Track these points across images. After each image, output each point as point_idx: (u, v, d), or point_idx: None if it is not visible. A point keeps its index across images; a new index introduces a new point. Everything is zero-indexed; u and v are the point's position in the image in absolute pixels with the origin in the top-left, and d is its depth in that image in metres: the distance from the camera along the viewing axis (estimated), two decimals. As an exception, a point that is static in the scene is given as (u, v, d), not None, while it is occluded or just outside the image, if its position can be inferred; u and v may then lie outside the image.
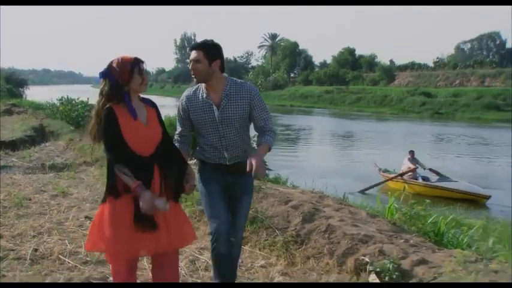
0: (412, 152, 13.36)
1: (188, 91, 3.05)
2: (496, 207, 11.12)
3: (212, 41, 2.93)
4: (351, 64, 69.72)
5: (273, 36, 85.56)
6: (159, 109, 2.78)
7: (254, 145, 3.16)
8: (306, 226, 4.29)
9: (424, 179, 12.82)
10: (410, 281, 3.29)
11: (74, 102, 15.42)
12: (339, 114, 43.28)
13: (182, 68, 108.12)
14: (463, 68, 59.96)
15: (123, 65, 2.57)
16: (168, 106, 17.98)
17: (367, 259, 3.61)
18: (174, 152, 2.73)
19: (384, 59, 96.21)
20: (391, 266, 3.39)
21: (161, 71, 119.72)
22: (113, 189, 2.53)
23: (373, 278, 3.43)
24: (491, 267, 3.14)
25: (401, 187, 10.13)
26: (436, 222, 5.32)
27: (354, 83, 62.00)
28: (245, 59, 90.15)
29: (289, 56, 76.04)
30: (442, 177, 12.61)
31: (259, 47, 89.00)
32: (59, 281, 3.51)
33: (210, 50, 2.87)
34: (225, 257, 2.92)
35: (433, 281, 3.19)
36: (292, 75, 77.01)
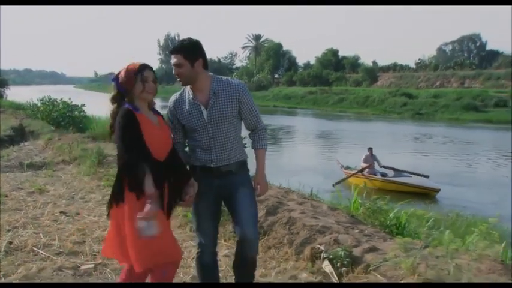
0: (370, 149, 14.04)
1: (175, 96, 2.94)
2: (446, 200, 11.81)
3: (190, 40, 2.80)
4: (334, 65, 70.42)
5: (257, 37, 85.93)
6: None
7: (245, 143, 3.15)
8: (269, 218, 4.55)
9: (383, 174, 13.52)
10: (359, 266, 3.57)
11: (55, 102, 15.50)
12: (320, 115, 43.67)
13: (166, 68, 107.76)
14: (443, 69, 60.99)
15: (128, 73, 2.60)
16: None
17: (322, 248, 3.87)
18: (181, 160, 2.77)
19: (366, 60, 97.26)
20: (342, 253, 3.66)
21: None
22: (137, 189, 2.48)
23: (326, 265, 3.70)
24: (428, 251, 3.43)
25: (361, 182, 11.07)
26: (398, 217, 5.64)
27: (337, 84, 62.60)
28: (229, 60, 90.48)
29: (273, 57, 76.50)
30: (398, 173, 13.34)
31: (243, 47, 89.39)
32: (31, 271, 3.69)
33: (189, 50, 2.75)
34: (208, 269, 2.99)
35: (379, 265, 3.47)
36: (276, 76, 77.46)
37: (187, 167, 2.86)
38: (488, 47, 77.38)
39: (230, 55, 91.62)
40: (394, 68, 66.92)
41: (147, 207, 2.44)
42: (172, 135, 2.84)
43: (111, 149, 8.39)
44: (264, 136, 3.00)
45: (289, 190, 5.76)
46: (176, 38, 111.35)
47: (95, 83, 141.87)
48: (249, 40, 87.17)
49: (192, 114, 2.81)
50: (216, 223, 3.00)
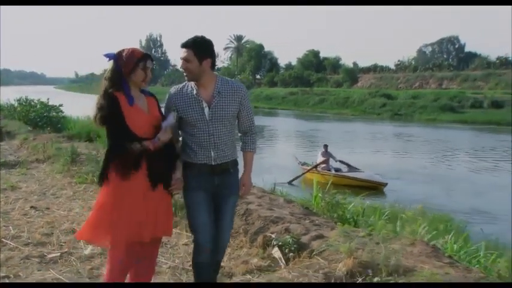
0: (325, 146, 14.88)
1: (175, 88, 2.99)
2: (393, 193, 12.56)
3: (203, 37, 2.85)
4: (316, 66, 71.14)
5: (239, 38, 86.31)
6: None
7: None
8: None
9: (337, 170, 14.35)
10: (305, 251, 3.89)
11: (32, 103, 15.59)
12: (300, 116, 44.14)
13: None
14: (422, 70, 62.01)
15: (130, 57, 2.71)
16: None
17: (273, 236, 4.19)
18: (171, 144, 2.87)
19: (347, 61, 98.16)
20: (291, 240, 3.99)
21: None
22: (122, 169, 2.66)
23: (275, 251, 4.02)
24: (361, 234, 3.78)
25: (317, 178, 11.47)
26: (356, 211, 6.00)
27: (318, 85, 63.24)
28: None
29: (254, 58, 76.90)
30: (351, 168, 14.25)
31: (225, 48, 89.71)
32: None
33: (200, 48, 2.80)
34: (205, 266, 2.97)
35: (323, 250, 3.80)
36: (257, 76, 77.84)
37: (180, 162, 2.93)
38: (467, 49, 78.72)
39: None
40: (375, 69, 67.87)
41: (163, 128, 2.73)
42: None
43: (84, 148, 8.61)
44: (254, 140, 3.10)
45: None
46: (158, 38, 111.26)
47: (76, 84, 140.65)
48: (231, 41, 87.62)
49: (194, 109, 2.84)
50: (213, 218, 2.96)
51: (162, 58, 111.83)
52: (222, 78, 2.93)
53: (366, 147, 22.73)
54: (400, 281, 3.23)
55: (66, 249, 4.23)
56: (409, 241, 4.06)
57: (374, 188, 12.63)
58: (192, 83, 2.88)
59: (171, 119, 2.77)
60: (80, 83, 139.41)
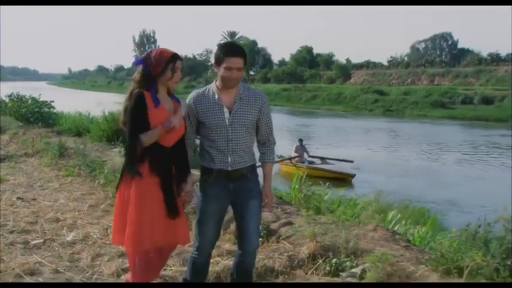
0: (300, 141, 15.73)
1: (196, 92, 2.94)
2: (361, 183, 13.35)
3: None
4: (309, 62, 71.30)
5: (232, 34, 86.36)
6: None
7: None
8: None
9: (310, 162, 15.01)
10: (273, 237, 4.15)
11: (24, 98, 15.74)
12: (292, 112, 44.45)
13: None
14: (415, 67, 62.36)
15: (160, 58, 2.68)
16: None
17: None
18: (186, 152, 2.90)
19: (341, 57, 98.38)
20: (260, 227, 4.23)
21: (120, 68, 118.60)
22: (136, 170, 2.66)
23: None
24: (323, 220, 4.05)
25: (291, 170, 12.37)
26: (331, 201, 6.28)
27: (312, 81, 63.45)
28: (205, 57, 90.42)
29: (248, 54, 76.61)
30: (324, 160, 15.14)
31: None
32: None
33: (246, 57, 2.82)
34: (199, 270, 3.02)
35: (290, 235, 4.06)
36: (251, 73, 77.92)
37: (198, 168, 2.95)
38: (459, 45, 79.13)
39: (206, 52, 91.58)
40: (367, 65, 68.20)
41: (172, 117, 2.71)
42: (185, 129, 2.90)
43: (72, 142, 8.82)
44: (273, 150, 3.08)
45: None
46: (151, 34, 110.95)
47: (69, 80, 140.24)
48: (224, 37, 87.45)
49: (214, 113, 2.81)
50: (219, 228, 3.01)
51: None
52: (244, 84, 2.92)
53: (349, 141, 23.48)
54: (355, 261, 3.51)
55: (49, 236, 4.46)
56: (372, 227, 4.34)
57: (343, 179, 13.61)
58: (214, 88, 2.85)
59: (185, 104, 2.82)
60: (73, 79, 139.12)
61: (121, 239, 2.76)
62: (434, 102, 43.09)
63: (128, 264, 2.94)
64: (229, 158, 2.84)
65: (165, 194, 2.73)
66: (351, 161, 15.00)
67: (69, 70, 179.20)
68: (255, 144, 3.07)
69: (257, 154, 3.05)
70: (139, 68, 2.73)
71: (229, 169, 2.84)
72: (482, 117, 36.52)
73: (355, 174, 14.06)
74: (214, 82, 2.89)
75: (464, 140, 24.65)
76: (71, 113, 17.47)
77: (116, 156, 7.35)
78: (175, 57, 2.72)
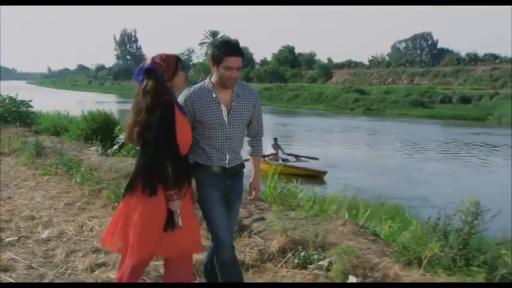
0: (275, 139, 16.15)
1: (189, 91, 2.83)
2: (338, 181, 13.37)
3: None
4: (291, 62, 71.49)
5: (214, 34, 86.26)
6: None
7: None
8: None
9: (284, 160, 15.27)
10: (245, 232, 4.26)
11: (1, 98, 15.59)
12: (274, 111, 44.62)
13: (123, 64, 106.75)
14: (395, 66, 63.00)
15: (169, 60, 2.57)
16: (108, 103, 18.40)
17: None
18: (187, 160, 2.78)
19: (322, 57, 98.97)
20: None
21: (101, 68, 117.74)
22: (151, 187, 2.50)
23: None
24: (293, 215, 4.17)
25: (265, 167, 12.74)
26: (307, 198, 6.40)
27: (293, 81, 63.70)
28: (187, 56, 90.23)
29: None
30: (298, 159, 15.50)
31: (200, 44, 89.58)
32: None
33: (244, 56, 2.79)
34: (230, 264, 2.86)
35: (262, 230, 4.17)
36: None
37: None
38: (439, 45, 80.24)
39: (187, 51, 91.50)
40: (349, 65, 68.65)
41: (177, 204, 2.55)
42: None
43: (49, 142, 8.82)
44: (261, 143, 3.09)
45: None
46: (133, 33, 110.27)
47: (48, 79, 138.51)
48: (206, 36, 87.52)
49: (213, 112, 2.77)
50: (228, 217, 2.89)
51: (137, 53, 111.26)
52: (238, 81, 2.85)
53: (328, 140, 23.94)
54: (323, 254, 3.63)
55: (24, 234, 4.50)
56: (341, 222, 4.47)
57: (316, 176, 14.00)
58: (210, 85, 2.79)
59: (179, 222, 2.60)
60: (53, 78, 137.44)
61: (111, 242, 2.67)
62: (414, 102, 43.60)
63: (118, 265, 2.81)
64: (227, 156, 2.83)
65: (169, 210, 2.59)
66: (316, 159, 15.46)
67: (49, 69, 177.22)
68: None
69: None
70: (149, 77, 2.54)
71: (227, 166, 2.84)
72: (460, 116, 37.11)
73: (326, 172, 14.41)
74: (208, 79, 2.83)
75: (442, 138, 25.09)
76: (50, 113, 17.39)
77: (93, 155, 7.38)
78: (179, 56, 2.67)
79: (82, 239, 4.40)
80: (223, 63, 2.68)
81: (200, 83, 2.86)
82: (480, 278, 2.92)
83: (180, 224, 2.57)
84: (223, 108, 2.78)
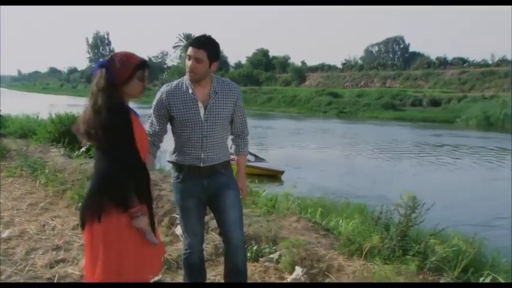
0: None
1: (168, 86, 2.81)
2: (290, 179, 13.88)
3: (215, 39, 2.72)
4: (265, 65, 71.90)
5: (188, 37, 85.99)
6: None
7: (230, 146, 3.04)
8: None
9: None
10: (206, 226, 4.41)
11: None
12: (248, 114, 44.64)
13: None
14: (368, 69, 63.98)
15: (126, 64, 2.29)
16: (81, 106, 18.23)
17: (177, 216, 4.69)
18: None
19: (296, 60, 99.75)
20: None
21: (73, 70, 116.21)
22: (124, 202, 2.25)
23: (177, 229, 4.52)
24: (247, 212, 4.36)
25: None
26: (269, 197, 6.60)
27: (267, 84, 64.08)
28: (160, 59, 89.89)
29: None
30: (258, 159, 15.80)
31: (174, 47, 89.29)
32: None
33: (214, 50, 2.67)
34: (196, 269, 2.94)
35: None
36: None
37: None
38: (411, 49, 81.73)
39: (161, 54, 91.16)
40: (322, 68, 69.40)
41: (144, 220, 2.32)
42: (151, 125, 2.80)
43: (16, 144, 8.82)
44: (247, 142, 3.03)
45: (168, 175, 6.54)
46: (106, 36, 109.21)
47: (19, 82, 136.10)
48: (180, 39, 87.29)
49: (189, 109, 2.71)
50: (203, 222, 2.98)
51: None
52: (217, 77, 2.82)
53: (298, 141, 24.46)
54: (274, 248, 3.83)
55: (-16, 233, 4.56)
56: (295, 218, 4.68)
57: (274, 176, 14.40)
58: (187, 81, 2.75)
59: (153, 239, 2.39)
60: (24, 81, 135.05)
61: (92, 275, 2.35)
62: (385, 104, 44.39)
63: None
64: (202, 154, 2.75)
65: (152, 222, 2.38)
66: (263, 159, 15.80)
67: (19, 72, 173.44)
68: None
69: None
70: (102, 72, 2.29)
71: (201, 165, 2.76)
72: (429, 119, 37.94)
73: (283, 171, 14.84)
74: (187, 75, 2.74)
75: (410, 140, 25.68)
76: (19, 116, 17.23)
77: (56, 156, 7.44)
78: (143, 64, 2.35)
79: (43, 237, 4.49)
80: (187, 53, 2.69)
81: (179, 79, 2.82)
82: (413, 266, 3.16)
83: (155, 240, 2.39)
84: (200, 105, 2.71)
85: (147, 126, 2.79)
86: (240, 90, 2.91)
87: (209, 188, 2.80)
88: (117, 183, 2.23)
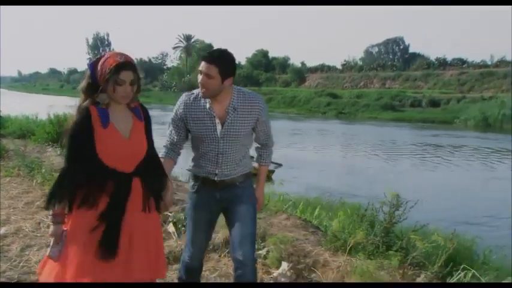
0: None
1: (187, 96, 2.69)
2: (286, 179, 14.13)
3: (228, 53, 2.57)
4: (265, 66, 72.14)
5: (188, 38, 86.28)
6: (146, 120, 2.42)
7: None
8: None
9: None
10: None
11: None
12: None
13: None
14: (367, 70, 64.16)
15: (103, 68, 2.18)
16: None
17: (171, 214, 4.79)
18: (158, 169, 2.44)
19: (296, 61, 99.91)
20: (182, 216, 4.61)
21: (73, 71, 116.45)
22: (45, 203, 2.22)
23: (169, 227, 4.62)
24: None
25: None
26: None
27: (267, 84, 64.30)
28: (160, 60, 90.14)
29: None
30: (278, 165, 15.64)
31: (174, 48, 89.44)
32: None
33: (226, 67, 2.52)
34: (195, 272, 2.92)
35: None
36: (208, 76, 78.21)
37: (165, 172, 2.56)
38: (411, 50, 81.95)
39: (161, 55, 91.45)
40: (322, 68, 69.61)
41: (52, 229, 2.25)
42: (170, 135, 2.72)
43: (12, 145, 8.92)
44: (270, 153, 2.89)
45: (182, 184, 6.63)
46: (105, 37, 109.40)
47: (19, 83, 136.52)
48: (180, 40, 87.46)
49: (205, 124, 2.60)
50: (210, 235, 2.91)
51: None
52: (238, 90, 2.65)
53: (297, 142, 24.79)
54: (262, 244, 3.92)
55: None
56: (285, 216, 4.79)
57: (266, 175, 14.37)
58: None
59: (54, 254, 2.26)
60: (24, 82, 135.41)
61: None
62: (385, 105, 44.57)
63: None
64: (217, 170, 2.65)
65: (109, 229, 2.19)
66: (280, 164, 15.77)
67: (19, 73, 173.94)
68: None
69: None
70: (87, 73, 2.26)
71: (215, 179, 2.66)
72: (428, 119, 38.11)
73: (274, 171, 14.81)
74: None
75: (410, 140, 25.82)
76: (18, 117, 17.36)
77: (52, 156, 7.54)
78: (119, 67, 2.15)
79: (38, 235, 4.58)
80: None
81: (199, 90, 2.63)
82: (395, 261, 3.26)
83: (52, 254, 2.22)
84: (217, 121, 2.57)
85: (166, 134, 2.75)
86: (264, 104, 2.70)
87: (222, 201, 2.71)
88: (55, 183, 2.22)
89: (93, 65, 2.22)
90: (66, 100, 57.30)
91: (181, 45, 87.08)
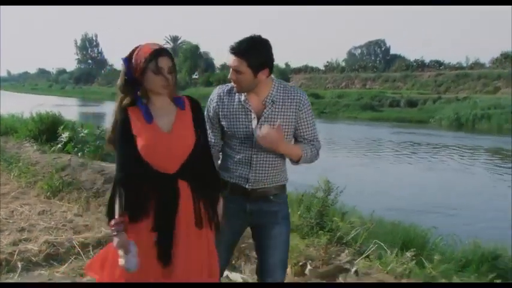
0: None
1: (221, 89, 2.44)
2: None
3: (259, 42, 2.28)
4: (248, 66, 72.40)
5: (174, 39, 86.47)
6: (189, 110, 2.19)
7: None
8: (106, 186, 5.86)
9: None
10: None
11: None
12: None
13: (84, 68, 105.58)
14: (349, 71, 65.05)
15: (138, 58, 2.04)
16: (69, 106, 18.49)
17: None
18: (209, 170, 2.21)
19: (280, 62, 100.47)
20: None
21: (62, 72, 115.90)
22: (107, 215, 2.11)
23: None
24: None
25: None
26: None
27: (251, 85, 64.68)
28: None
29: (190, 58, 77.42)
30: None
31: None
32: None
33: (257, 58, 2.24)
34: None
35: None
36: (193, 76, 78.42)
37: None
38: (392, 52, 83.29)
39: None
40: (305, 69, 70.30)
41: (115, 241, 2.01)
42: (209, 137, 2.35)
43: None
44: (313, 154, 2.48)
45: None
46: (94, 38, 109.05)
47: (8, 82, 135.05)
48: (167, 41, 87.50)
49: (239, 118, 2.36)
50: (233, 249, 2.66)
51: (98, 58, 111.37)
52: (279, 83, 2.40)
53: None
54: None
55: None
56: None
57: None
58: None
59: (131, 265, 2.01)
60: (13, 82, 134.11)
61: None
62: (364, 105, 45.28)
63: None
64: (249, 174, 2.38)
65: (161, 237, 2.05)
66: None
67: (8, 72, 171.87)
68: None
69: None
70: (123, 69, 2.10)
71: (247, 187, 2.38)
72: (405, 119, 38.85)
73: None
74: None
75: (386, 138, 26.46)
76: (4, 115, 17.61)
77: (29, 151, 7.95)
78: (156, 53, 2.03)
79: (11, 221, 5.01)
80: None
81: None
82: (324, 240, 3.77)
83: (129, 266, 1.99)
84: (254, 116, 2.34)
85: None
86: (306, 99, 2.43)
87: (252, 215, 2.43)
88: (113, 192, 2.10)
89: (127, 60, 2.09)
90: (55, 100, 57.09)
91: (168, 46, 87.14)
